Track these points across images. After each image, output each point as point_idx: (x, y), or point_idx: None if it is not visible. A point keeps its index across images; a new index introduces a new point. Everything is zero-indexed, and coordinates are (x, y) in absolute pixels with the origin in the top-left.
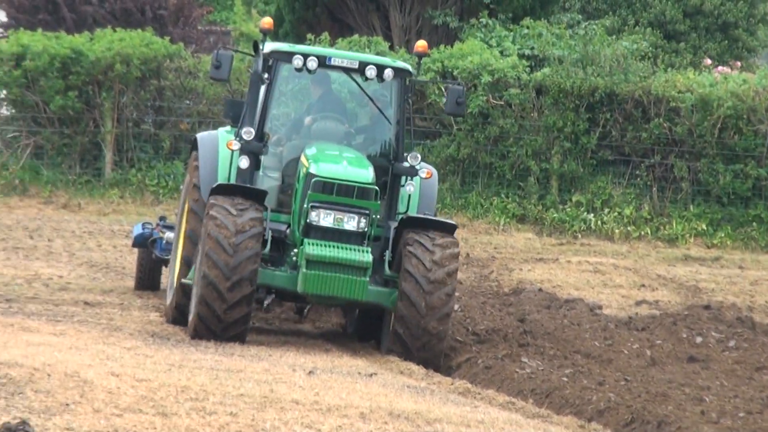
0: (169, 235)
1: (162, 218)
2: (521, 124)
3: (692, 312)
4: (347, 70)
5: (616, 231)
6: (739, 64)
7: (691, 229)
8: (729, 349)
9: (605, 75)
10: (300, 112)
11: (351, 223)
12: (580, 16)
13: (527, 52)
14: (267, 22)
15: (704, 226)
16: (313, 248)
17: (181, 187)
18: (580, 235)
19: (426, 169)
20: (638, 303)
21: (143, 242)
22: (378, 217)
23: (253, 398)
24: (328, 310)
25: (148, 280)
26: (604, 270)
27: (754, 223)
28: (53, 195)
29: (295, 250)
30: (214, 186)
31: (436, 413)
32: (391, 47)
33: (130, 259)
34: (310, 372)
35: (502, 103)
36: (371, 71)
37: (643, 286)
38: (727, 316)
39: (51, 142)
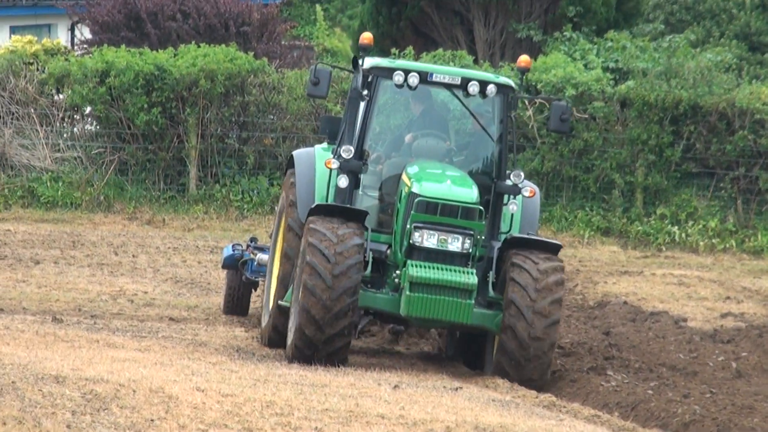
0: (261, 256)
1: (253, 239)
2: (605, 137)
3: None
4: (449, 86)
5: (701, 243)
6: None
7: None
8: None
9: (689, 87)
10: (400, 130)
11: (455, 243)
12: (663, 26)
13: (611, 65)
14: (367, 37)
15: None
16: (417, 270)
17: (276, 209)
18: (664, 248)
19: (529, 188)
20: (723, 315)
21: (233, 264)
22: (482, 237)
23: (338, 413)
24: (425, 333)
25: (237, 303)
26: (689, 282)
27: None
28: (137, 211)
29: (397, 272)
30: (313, 206)
31: (522, 427)
32: (476, 61)
33: (215, 274)
34: (395, 386)
35: (587, 116)
36: (474, 87)
37: (729, 298)
38: None
39: (135, 158)
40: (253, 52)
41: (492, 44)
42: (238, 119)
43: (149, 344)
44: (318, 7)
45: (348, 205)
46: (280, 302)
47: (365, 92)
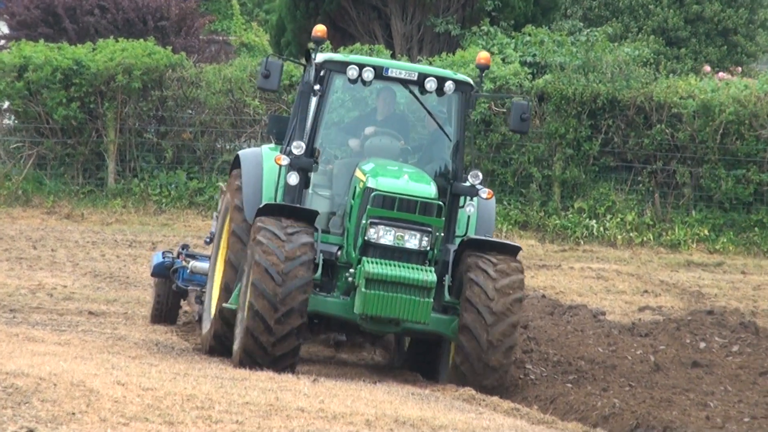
0: (194, 264)
1: (184, 246)
2: None
3: (695, 317)
4: (405, 82)
5: (619, 237)
6: (739, 69)
7: (693, 234)
8: (732, 354)
9: (607, 81)
10: (351, 128)
11: (412, 241)
12: (581, 24)
13: (529, 59)
14: (320, 29)
15: (706, 232)
16: (374, 266)
17: (215, 214)
18: (582, 242)
19: (487, 190)
20: (641, 309)
21: (163, 272)
22: (441, 235)
23: (258, 406)
24: (365, 343)
25: (166, 313)
26: (607, 276)
27: (756, 228)
28: (56, 205)
29: (351, 271)
30: (261, 206)
31: (442, 420)
32: (393, 55)
33: (134, 268)
34: (314, 380)
35: (504, 110)
36: (431, 83)
37: (646, 291)
38: (730, 321)
39: (54, 153)
40: (171, 47)
41: (410, 39)
42: (156, 114)
43: (69, 338)
44: (235, 2)
45: (297, 205)
46: (224, 305)
47: (317, 87)
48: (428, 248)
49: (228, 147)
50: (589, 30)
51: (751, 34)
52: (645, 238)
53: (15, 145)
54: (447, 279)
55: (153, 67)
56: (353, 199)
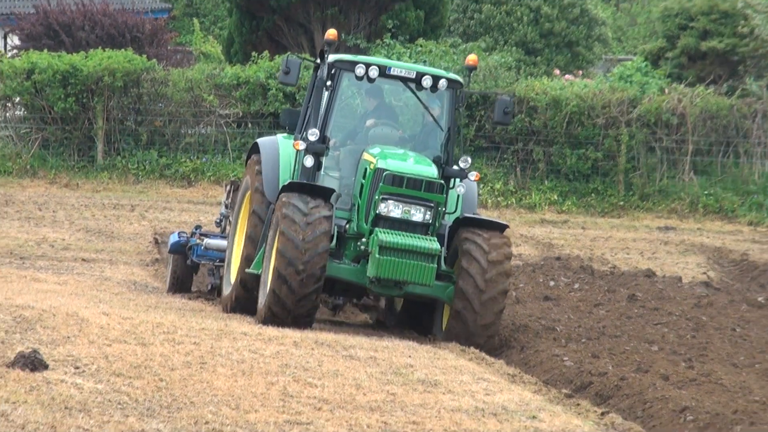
0: (209, 241)
1: (198, 227)
2: None
3: (546, 262)
4: (405, 80)
5: (489, 201)
6: (581, 72)
7: (546, 199)
8: (574, 291)
9: (480, 82)
10: (355, 121)
11: (418, 214)
12: (460, 40)
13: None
14: (332, 33)
15: (556, 197)
16: (387, 236)
17: (223, 201)
18: None
19: (475, 173)
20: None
21: (180, 249)
22: (442, 210)
23: (211, 331)
24: (361, 307)
25: (181, 283)
26: None
27: (593, 194)
28: (57, 177)
29: (363, 240)
30: (286, 184)
31: (351, 341)
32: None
33: (117, 225)
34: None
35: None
36: (427, 81)
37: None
38: (573, 265)
39: (55, 137)
40: (145, 55)
41: None
42: (134, 106)
43: (66, 279)
44: (196, 21)
45: (317, 183)
46: (247, 270)
47: (329, 83)
48: (430, 221)
49: (189, 132)
50: (467, 44)
51: (589, 45)
52: (509, 202)
53: (24, 131)
54: (443, 251)
55: (132, 70)
56: (363, 178)
